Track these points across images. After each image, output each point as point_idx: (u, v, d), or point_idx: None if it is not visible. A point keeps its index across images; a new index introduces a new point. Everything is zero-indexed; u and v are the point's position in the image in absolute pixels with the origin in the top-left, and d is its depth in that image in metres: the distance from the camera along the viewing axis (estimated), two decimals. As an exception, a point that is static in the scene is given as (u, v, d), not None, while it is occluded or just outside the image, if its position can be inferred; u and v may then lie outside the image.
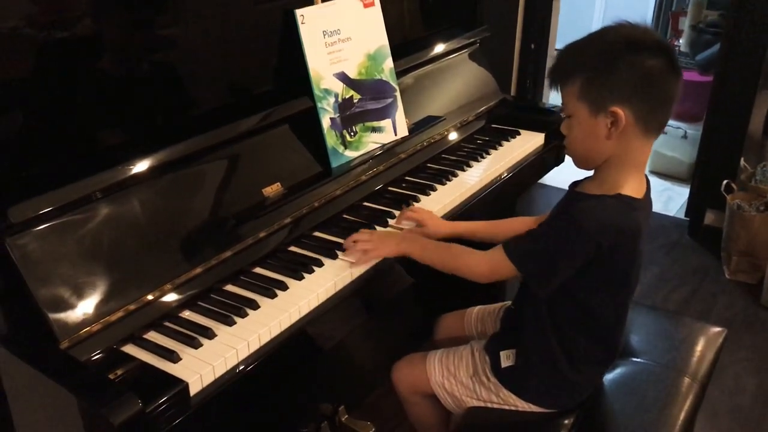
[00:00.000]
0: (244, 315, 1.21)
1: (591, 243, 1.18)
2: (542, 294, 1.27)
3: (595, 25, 5.35)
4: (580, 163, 1.28)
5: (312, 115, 1.55)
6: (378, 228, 1.51)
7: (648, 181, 1.29)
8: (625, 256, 1.24)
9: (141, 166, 1.24)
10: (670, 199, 3.50)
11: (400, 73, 1.78)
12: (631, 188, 1.22)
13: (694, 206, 3.14)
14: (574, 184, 1.33)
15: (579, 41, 1.24)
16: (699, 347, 1.55)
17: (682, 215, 3.27)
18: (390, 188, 1.69)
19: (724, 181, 2.76)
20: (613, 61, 1.16)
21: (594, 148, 1.22)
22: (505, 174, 1.83)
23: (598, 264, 1.21)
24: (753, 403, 2.15)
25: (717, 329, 1.61)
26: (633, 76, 1.15)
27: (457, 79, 2.03)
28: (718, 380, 2.16)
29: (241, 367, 1.13)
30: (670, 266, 2.89)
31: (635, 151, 1.22)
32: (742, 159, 2.82)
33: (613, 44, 1.17)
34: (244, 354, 1.14)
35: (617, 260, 1.23)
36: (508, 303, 1.58)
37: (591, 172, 1.29)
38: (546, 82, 1.28)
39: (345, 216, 1.55)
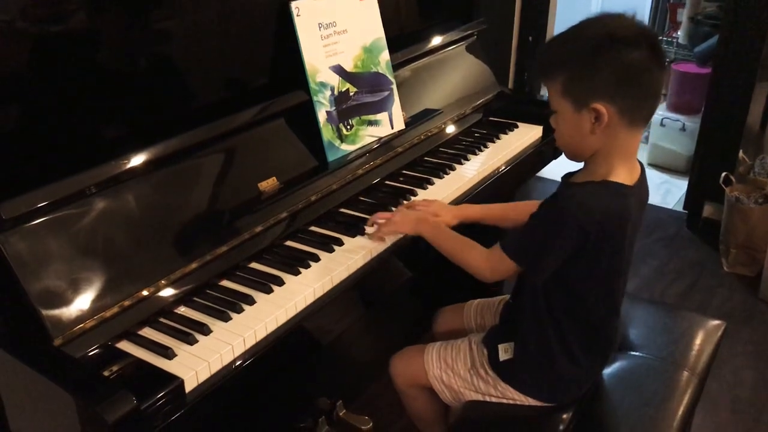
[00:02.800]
0: (239, 310, 1.20)
1: (577, 227, 1.18)
2: (537, 281, 1.28)
3: (593, 17, 5.33)
4: (569, 156, 1.28)
5: (308, 108, 1.54)
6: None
7: (642, 168, 1.29)
8: (614, 241, 1.23)
9: (135, 160, 1.23)
10: (668, 192, 3.49)
11: (396, 66, 1.77)
12: (621, 176, 1.22)
13: (692, 199, 3.13)
14: (567, 176, 1.32)
15: (559, 37, 1.22)
16: (698, 340, 1.55)
17: (680, 208, 3.26)
18: (387, 182, 1.68)
19: (723, 174, 2.75)
20: (594, 58, 1.14)
21: (580, 142, 1.22)
22: (503, 167, 1.82)
23: (588, 251, 1.21)
24: (751, 395, 2.15)
25: (715, 322, 1.61)
26: (614, 72, 1.14)
27: (454, 71, 2.02)
28: (716, 373, 2.15)
29: (237, 363, 1.12)
30: (669, 259, 2.89)
31: (623, 143, 1.21)
32: (740, 151, 2.81)
33: (592, 40, 1.15)
34: (240, 350, 1.13)
35: (606, 246, 1.22)
36: (508, 297, 1.58)
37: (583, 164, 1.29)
38: (539, 76, 1.27)
39: (342, 210, 1.54)
